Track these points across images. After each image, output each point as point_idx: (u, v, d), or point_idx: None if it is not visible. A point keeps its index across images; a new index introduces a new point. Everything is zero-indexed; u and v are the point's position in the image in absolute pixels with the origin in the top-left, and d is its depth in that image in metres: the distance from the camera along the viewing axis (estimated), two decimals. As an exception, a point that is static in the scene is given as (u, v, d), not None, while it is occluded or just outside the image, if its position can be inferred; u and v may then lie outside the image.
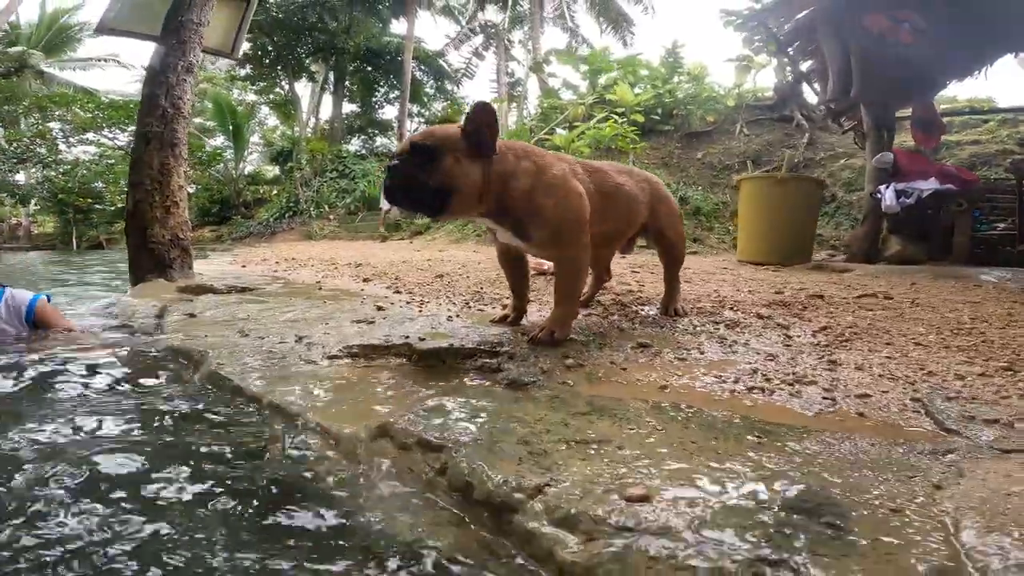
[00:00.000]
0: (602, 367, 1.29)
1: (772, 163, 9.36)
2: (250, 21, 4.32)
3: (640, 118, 9.34)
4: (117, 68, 23.55)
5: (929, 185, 4.47)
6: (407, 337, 1.46)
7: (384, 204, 12.82)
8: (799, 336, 1.68)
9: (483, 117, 1.37)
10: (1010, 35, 5.00)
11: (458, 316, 1.85)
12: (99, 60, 23.00)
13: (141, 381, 1.39)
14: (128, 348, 1.77)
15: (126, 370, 1.49)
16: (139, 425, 1.08)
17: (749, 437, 0.86)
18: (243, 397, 1.16)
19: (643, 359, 1.37)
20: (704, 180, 9.59)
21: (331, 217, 15.41)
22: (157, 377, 1.42)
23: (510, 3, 18.22)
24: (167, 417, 1.12)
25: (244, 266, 5.43)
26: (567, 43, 17.89)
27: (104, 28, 3.95)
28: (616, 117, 8.41)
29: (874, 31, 4.42)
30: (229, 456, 0.92)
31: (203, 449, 0.95)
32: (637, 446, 0.80)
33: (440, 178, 1.33)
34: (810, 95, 10.47)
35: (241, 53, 4.61)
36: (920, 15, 4.29)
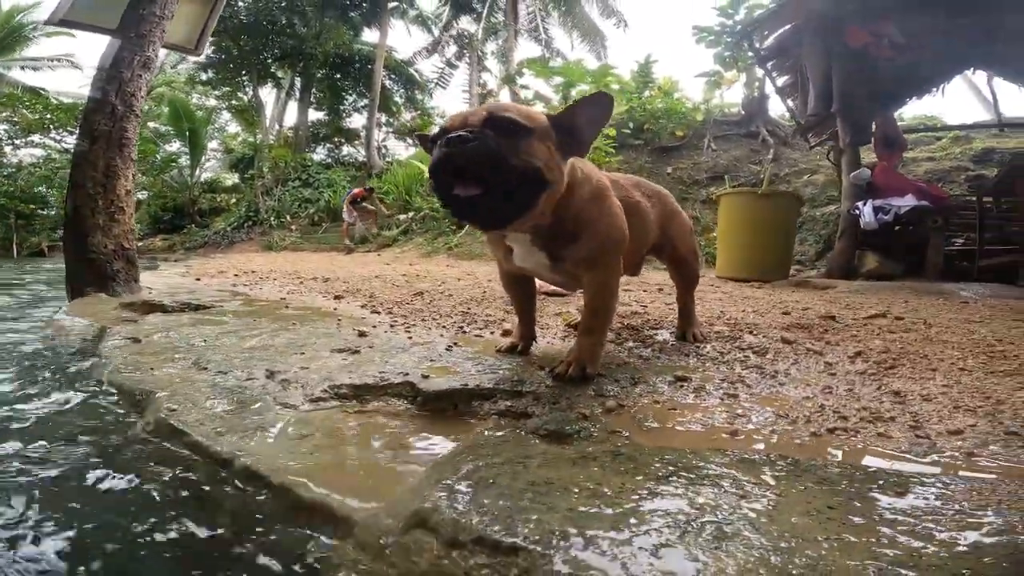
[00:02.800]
0: (648, 409, 1.08)
1: (739, 178, 9.52)
2: (218, 17, 3.98)
3: (612, 132, 9.34)
4: (70, 69, 22.16)
5: (907, 202, 4.52)
6: (406, 374, 1.21)
7: (347, 216, 12.37)
8: (838, 363, 1.52)
9: (595, 110, 1.14)
10: (969, 53, 5.19)
11: (456, 344, 1.61)
12: (51, 60, 21.67)
13: (67, 433, 1.09)
14: (47, 382, 1.45)
15: (47, 418, 1.19)
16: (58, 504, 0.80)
17: (881, 498, 0.67)
18: (204, 457, 0.89)
19: (689, 397, 1.17)
20: (674, 195, 9.59)
21: (293, 228, 14.85)
22: (87, 427, 1.12)
23: (484, 14, 18.20)
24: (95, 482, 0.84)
25: (199, 279, 4.99)
26: (540, 56, 17.98)
27: (56, 20, 3.54)
28: (589, 130, 8.35)
29: (856, 45, 4.47)
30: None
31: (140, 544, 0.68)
32: (776, 527, 0.61)
33: (531, 160, 1.05)
34: (775, 112, 10.81)
35: (205, 51, 4.24)
36: (896, 29, 4.37)
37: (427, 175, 1.12)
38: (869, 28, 4.45)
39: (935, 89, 6.02)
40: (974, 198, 5.72)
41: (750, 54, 6.64)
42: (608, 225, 1.27)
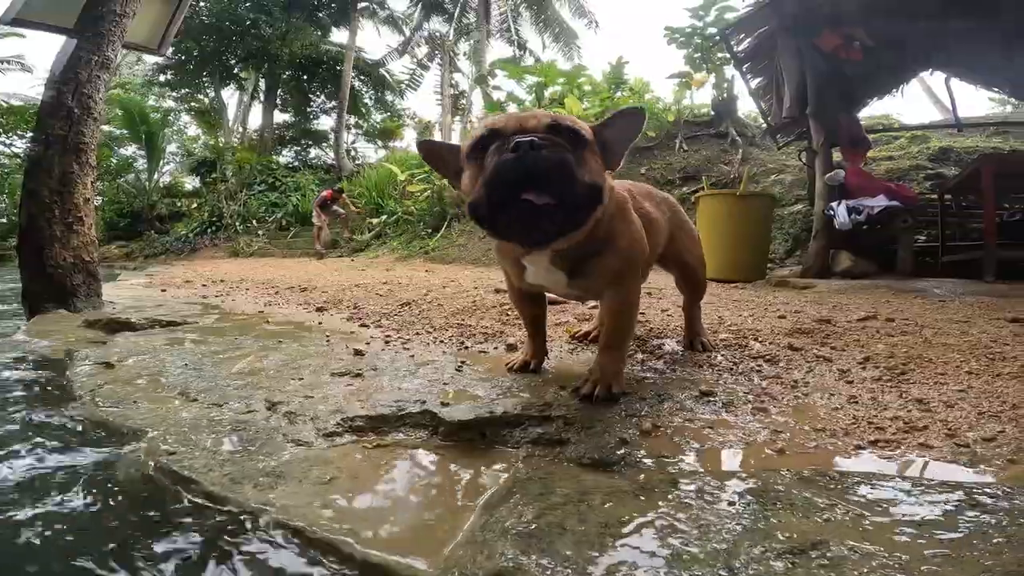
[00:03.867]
0: (684, 429, 1.04)
1: (711, 178, 9.68)
2: (183, 15, 3.78)
3: (586, 133, 9.35)
4: (20, 72, 20.80)
5: (878, 202, 4.65)
6: (423, 401, 1.13)
7: (316, 220, 12.03)
8: (851, 370, 1.51)
9: (629, 124, 1.14)
10: (931, 55, 5.41)
11: (464, 363, 1.53)
12: (-1, 62, 20.38)
13: (46, 485, 0.97)
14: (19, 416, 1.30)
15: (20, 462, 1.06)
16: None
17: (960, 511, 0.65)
18: (218, 507, 0.79)
19: (721, 413, 1.13)
20: (648, 195, 9.73)
21: (260, 233, 14.40)
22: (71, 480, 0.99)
23: (456, 15, 18.06)
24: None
25: (164, 290, 4.74)
26: (512, 56, 17.92)
27: (9, 19, 3.29)
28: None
29: (827, 49, 4.58)
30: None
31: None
32: (880, 548, 0.58)
33: (592, 173, 1.03)
34: (743, 112, 11.05)
35: (168, 50, 4.04)
36: (865, 32, 4.50)
37: (484, 181, 0.99)
38: (840, 31, 4.57)
39: (896, 90, 6.25)
40: (935, 196, 5.96)
41: (720, 55, 6.75)
42: (631, 240, 1.23)
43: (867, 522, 0.64)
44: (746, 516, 0.66)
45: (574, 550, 0.58)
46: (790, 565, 0.55)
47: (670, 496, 0.72)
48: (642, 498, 0.71)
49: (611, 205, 1.17)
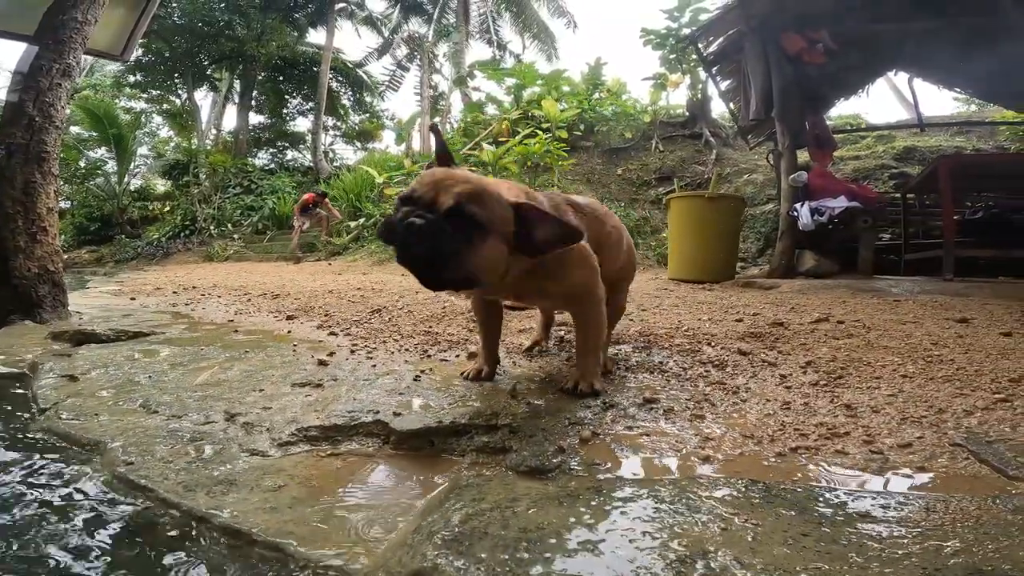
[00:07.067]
0: (622, 437, 1.10)
1: (685, 178, 9.85)
2: (148, 21, 3.75)
3: (564, 134, 9.46)
4: None
5: (840, 203, 4.81)
6: (376, 411, 1.18)
7: (296, 223, 11.89)
8: (792, 375, 1.60)
9: (556, 236, 1.10)
10: (894, 56, 5.61)
11: (423, 372, 1.58)
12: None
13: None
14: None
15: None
16: None
17: (848, 521, 0.72)
18: (174, 512, 0.83)
19: (660, 421, 1.20)
20: (625, 196, 9.84)
21: (235, 237, 14.19)
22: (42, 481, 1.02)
23: (435, 16, 18.03)
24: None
25: (133, 298, 4.67)
26: (492, 57, 17.94)
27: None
28: (541, 133, 8.42)
29: (792, 52, 4.73)
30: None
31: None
32: (759, 559, 0.64)
33: (474, 265, 1.05)
34: (716, 113, 11.25)
35: (132, 56, 4.01)
36: (829, 35, 4.66)
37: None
38: (804, 34, 4.73)
39: (861, 90, 6.45)
40: (898, 195, 6.18)
41: (694, 57, 6.87)
42: (582, 274, 1.32)
43: (759, 531, 0.71)
44: (654, 523, 0.72)
45: (488, 553, 0.64)
46: (674, 574, 0.61)
47: (592, 503, 0.78)
48: (565, 505, 0.77)
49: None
